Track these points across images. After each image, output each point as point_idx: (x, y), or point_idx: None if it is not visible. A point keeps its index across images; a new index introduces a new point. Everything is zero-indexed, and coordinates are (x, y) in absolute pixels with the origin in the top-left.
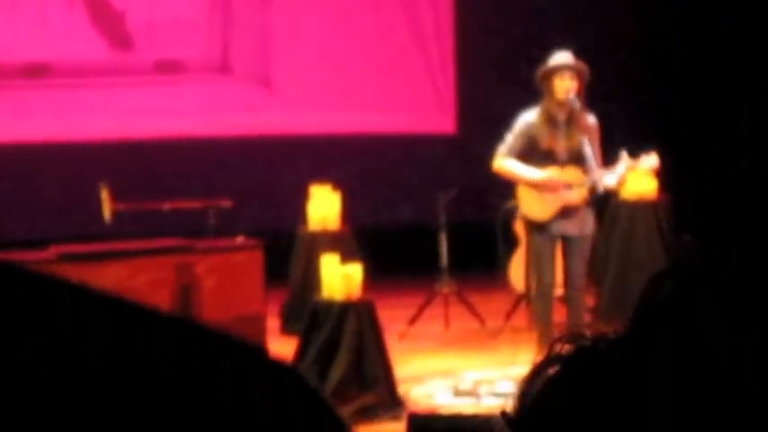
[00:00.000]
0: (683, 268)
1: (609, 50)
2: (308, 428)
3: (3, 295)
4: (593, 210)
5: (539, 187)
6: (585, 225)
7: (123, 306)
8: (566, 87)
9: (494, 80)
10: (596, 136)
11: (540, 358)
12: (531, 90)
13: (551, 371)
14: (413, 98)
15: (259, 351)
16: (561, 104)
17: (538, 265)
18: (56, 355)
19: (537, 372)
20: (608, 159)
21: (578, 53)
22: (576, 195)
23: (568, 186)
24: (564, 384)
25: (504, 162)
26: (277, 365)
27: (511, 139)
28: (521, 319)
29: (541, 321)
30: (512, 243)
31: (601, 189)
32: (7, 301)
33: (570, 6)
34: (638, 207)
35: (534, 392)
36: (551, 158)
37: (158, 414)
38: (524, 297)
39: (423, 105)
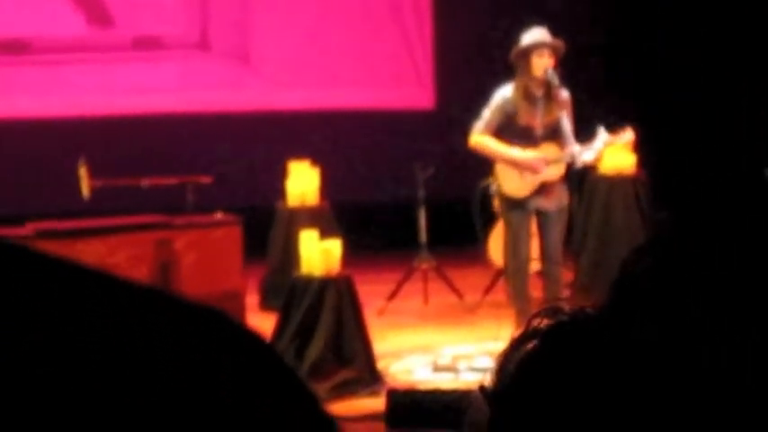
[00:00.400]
0: (662, 243)
1: (583, 25)
2: (281, 407)
3: None
4: (566, 183)
5: (518, 166)
6: (561, 199)
7: (99, 277)
8: (544, 65)
9: (472, 56)
10: (570, 110)
11: (517, 333)
12: (508, 65)
13: (530, 345)
14: (391, 74)
15: (221, 316)
16: (538, 81)
17: (514, 241)
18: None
19: (515, 346)
20: (585, 135)
21: (552, 27)
22: (554, 171)
23: (547, 163)
24: (543, 358)
25: (482, 139)
26: (252, 336)
27: (488, 114)
28: (499, 294)
29: (518, 297)
30: (490, 218)
31: (579, 164)
32: None
33: None
34: (617, 182)
35: (513, 367)
36: (528, 134)
37: (128, 389)
38: (503, 272)
39: (401, 81)
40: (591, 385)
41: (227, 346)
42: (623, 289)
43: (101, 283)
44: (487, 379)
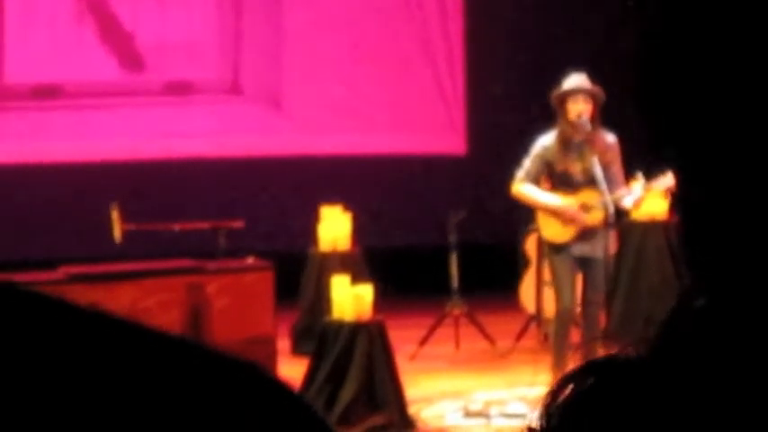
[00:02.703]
0: (714, 286)
1: (621, 70)
2: None
3: (6, 317)
4: (614, 231)
5: (558, 215)
6: (605, 247)
7: (127, 327)
8: (578, 110)
9: (504, 101)
10: (617, 155)
11: (566, 373)
12: (541, 111)
13: (578, 385)
14: (423, 119)
15: (265, 373)
16: (575, 127)
17: (557, 287)
18: (55, 377)
19: (565, 383)
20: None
21: (591, 74)
22: (594, 217)
23: (586, 209)
24: (592, 398)
25: (522, 187)
26: (284, 390)
27: (528, 163)
28: (531, 340)
29: (558, 343)
30: (523, 264)
31: (611, 210)
32: (10, 324)
33: (581, 29)
34: (649, 228)
35: (563, 405)
36: (568, 181)
37: None
38: (535, 318)
39: (433, 126)
40: (640, 426)
41: (260, 401)
42: (674, 331)
43: (131, 334)
44: (532, 422)
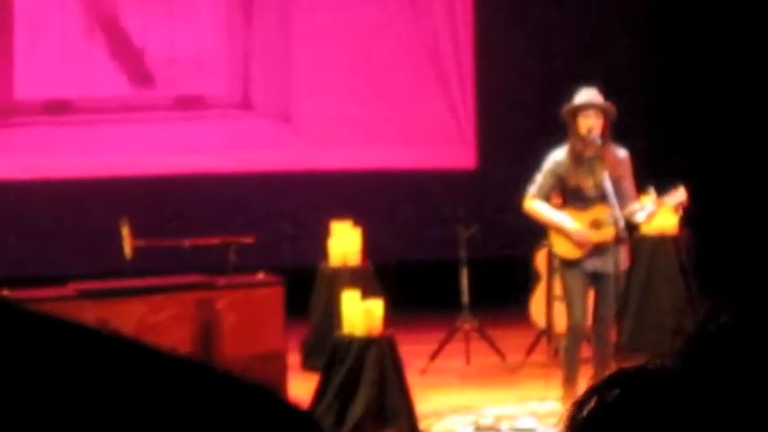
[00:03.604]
0: (743, 298)
1: (633, 85)
2: None
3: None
4: (625, 247)
5: (568, 235)
6: (617, 262)
7: (135, 349)
8: (588, 125)
9: (514, 115)
10: (628, 170)
11: (569, 391)
12: (551, 125)
13: (606, 395)
14: (433, 133)
15: (275, 396)
16: (585, 141)
17: (569, 302)
18: (61, 400)
19: (592, 395)
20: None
21: (602, 88)
22: (606, 233)
23: (597, 224)
24: (623, 407)
25: (534, 204)
26: (293, 411)
27: (540, 178)
28: (541, 354)
29: (568, 358)
30: (533, 279)
31: (622, 226)
32: (14, 347)
33: (593, 41)
34: (660, 243)
35: (589, 416)
36: (579, 196)
37: None
38: (545, 333)
39: (444, 140)
40: None
41: (272, 426)
42: (703, 344)
43: (142, 356)
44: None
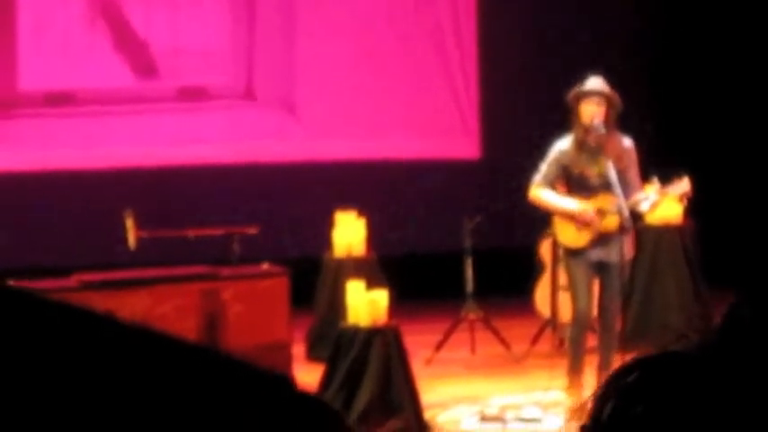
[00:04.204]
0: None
1: (637, 73)
2: None
3: (25, 324)
4: (629, 236)
5: (574, 219)
6: (621, 251)
7: (147, 335)
8: (591, 112)
9: (518, 105)
10: (633, 159)
11: (574, 380)
12: (555, 115)
13: (630, 378)
14: (437, 123)
15: (285, 380)
16: (588, 130)
17: (574, 292)
18: (76, 385)
19: (616, 379)
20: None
21: (607, 76)
22: (610, 222)
23: (602, 213)
24: (649, 391)
25: (540, 192)
26: (303, 395)
27: (545, 167)
28: (546, 344)
29: (574, 347)
30: (538, 269)
31: (626, 215)
32: (30, 330)
33: (597, 30)
34: (664, 232)
35: (613, 400)
36: (584, 184)
37: None
38: (550, 322)
39: (447, 131)
40: (693, 418)
41: (293, 414)
42: (734, 324)
43: (159, 344)
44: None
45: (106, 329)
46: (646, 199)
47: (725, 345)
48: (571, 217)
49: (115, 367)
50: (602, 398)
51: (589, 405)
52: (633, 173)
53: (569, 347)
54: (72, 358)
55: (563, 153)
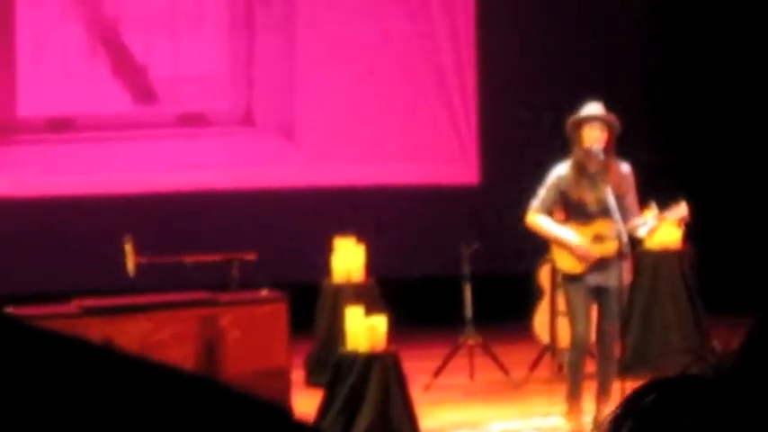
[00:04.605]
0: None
1: (636, 100)
2: None
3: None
4: (627, 262)
5: (570, 249)
6: (619, 277)
7: (145, 367)
8: (593, 138)
9: (517, 131)
10: (631, 185)
11: (573, 406)
12: (554, 140)
13: (647, 400)
14: (436, 149)
15: (282, 411)
16: (589, 155)
17: (572, 317)
18: (74, 416)
19: (633, 400)
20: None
21: (605, 102)
22: (608, 248)
23: (600, 239)
24: (668, 410)
25: (537, 218)
26: (300, 425)
27: (543, 193)
28: (545, 370)
29: (573, 373)
30: (536, 295)
31: (625, 241)
32: (27, 364)
33: (596, 56)
34: (663, 257)
35: (632, 421)
36: (582, 210)
37: None
38: (549, 348)
39: (446, 157)
40: None
41: None
42: (753, 351)
43: (156, 375)
44: None
45: (103, 361)
46: (644, 224)
47: (744, 368)
48: (568, 247)
49: (110, 400)
50: (619, 419)
51: (606, 426)
52: (631, 198)
53: (568, 373)
54: (70, 390)
55: (561, 178)
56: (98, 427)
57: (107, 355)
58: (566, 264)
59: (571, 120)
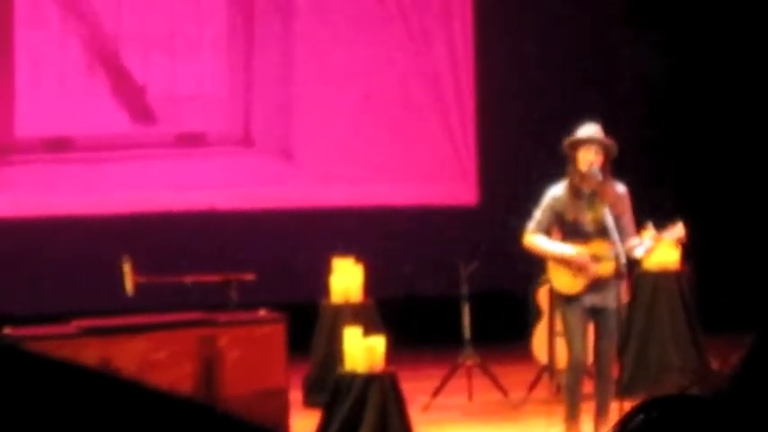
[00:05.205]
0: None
1: (632, 120)
2: None
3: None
4: (625, 281)
5: (568, 264)
6: (615, 298)
7: (136, 390)
8: (589, 160)
9: (516, 151)
10: (627, 206)
11: (571, 427)
12: (552, 161)
13: (645, 416)
14: (435, 170)
15: None
16: (585, 176)
17: (569, 338)
18: None
19: (631, 416)
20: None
21: (602, 122)
22: (605, 268)
23: (596, 259)
24: (666, 428)
25: (534, 238)
26: None
27: (539, 214)
28: (544, 391)
29: (570, 394)
30: (535, 315)
31: (623, 261)
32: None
33: (593, 77)
34: (661, 278)
35: None
36: (578, 231)
37: None
38: (547, 369)
39: (445, 177)
40: None
41: None
42: (753, 370)
43: (148, 400)
44: None
45: (97, 385)
46: (640, 245)
47: (741, 390)
48: (566, 262)
49: (104, 424)
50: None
51: None
52: (627, 219)
53: (566, 394)
54: (65, 414)
55: (556, 200)
56: None
57: (101, 379)
58: (562, 284)
59: (567, 141)
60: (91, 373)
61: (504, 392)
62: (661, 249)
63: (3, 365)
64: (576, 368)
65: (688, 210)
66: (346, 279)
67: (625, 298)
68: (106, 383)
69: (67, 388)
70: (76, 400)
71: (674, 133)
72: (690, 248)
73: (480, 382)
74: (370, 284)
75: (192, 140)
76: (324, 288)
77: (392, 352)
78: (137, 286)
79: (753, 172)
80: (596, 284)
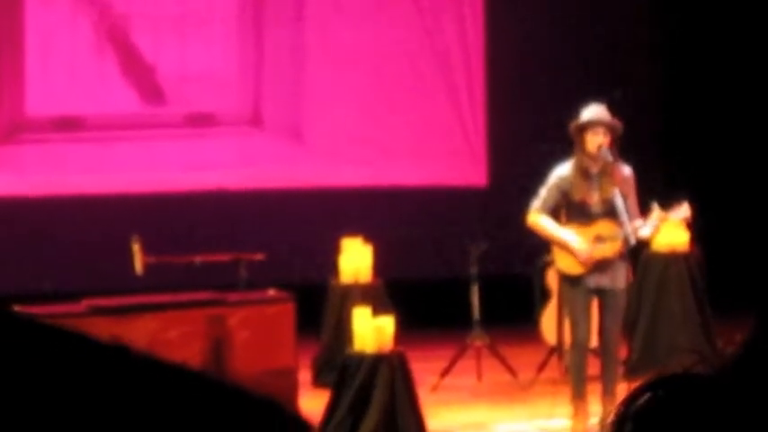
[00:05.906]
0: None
1: (641, 100)
2: None
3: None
4: (627, 262)
5: (570, 250)
6: (619, 278)
7: (147, 362)
8: (597, 142)
9: (525, 132)
10: (632, 187)
11: (577, 407)
12: (562, 142)
13: (645, 397)
14: (444, 150)
15: (278, 407)
16: (593, 157)
17: (572, 318)
18: (80, 411)
19: (632, 399)
20: (641, 210)
21: (609, 102)
22: (610, 249)
23: (602, 240)
24: (671, 408)
25: (538, 219)
26: (296, 421)
27: (544, 193)
28: (553, 371)
29: (575, 374)
30: (544, 296)
31: (632, 242)
32: (36, 358)
33: (603, 57)
34: (670, 259)
35: (636, 415)
36: (584, 211)
37: None
38: (556, 350)
39: (454, 158)
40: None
41: None
42: (756, 347)
43: (154, 369)
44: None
45: (105, 356)
46: (645, 225)
47: (744, 368)
48: (568, 249)
49: (112, 393)
50: (621, 419)
51: (609, 428)
52: (632, 200)
53: (571, 374)
54: (70, 382)
55: (563, 179)
56: (97, 422)
57: (109, 350)
58: (566, 265)
59: (574, 123)
60: (98, 343)
61: (514, 373)
62: (670, 231)
63: (11, 335)
64: (579, 348)
65: (697, 192)
66: (355, 259)
67: (629, 277)
68: (119, 353)
69: (75, 356)
70: (91, 368)
71: (685, 114)
72: (699, 230)
73: (489, 362)
74: (379, 265)
75: (201, 120)
76: (333, 268)
77: (401, 332)
78: (146, 266)
79: (762, 154)
80: (600, 265)
